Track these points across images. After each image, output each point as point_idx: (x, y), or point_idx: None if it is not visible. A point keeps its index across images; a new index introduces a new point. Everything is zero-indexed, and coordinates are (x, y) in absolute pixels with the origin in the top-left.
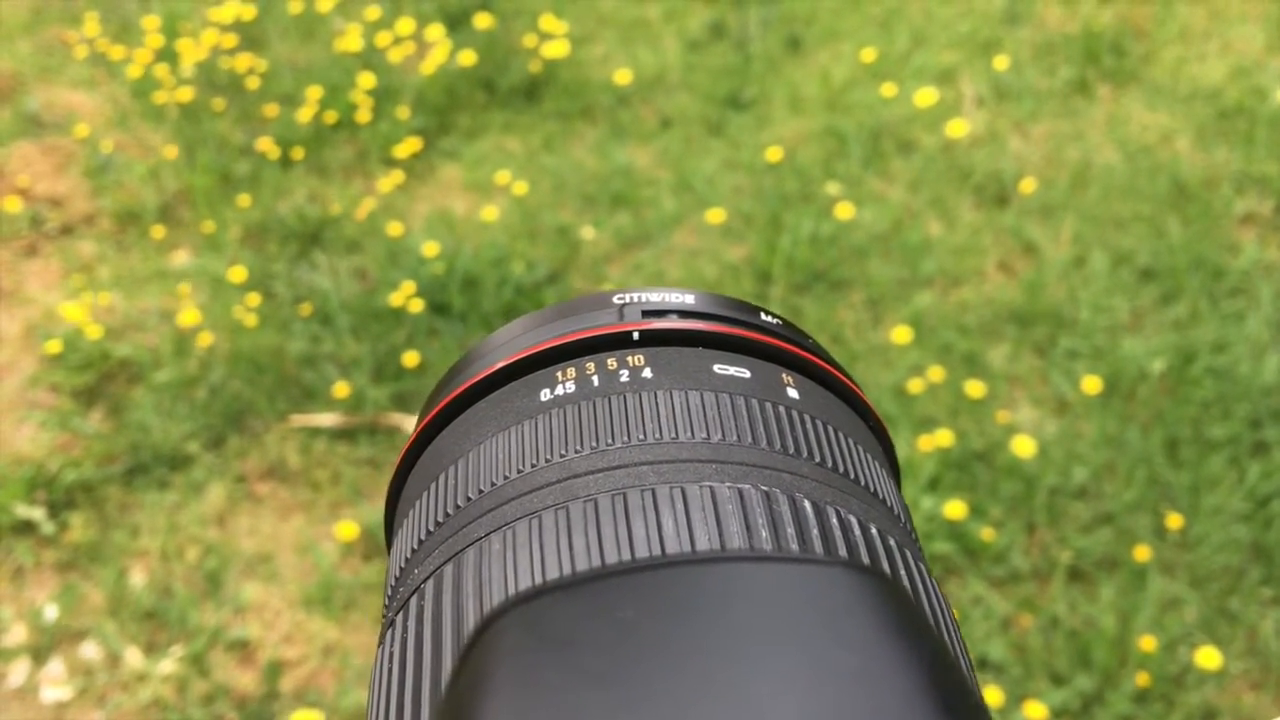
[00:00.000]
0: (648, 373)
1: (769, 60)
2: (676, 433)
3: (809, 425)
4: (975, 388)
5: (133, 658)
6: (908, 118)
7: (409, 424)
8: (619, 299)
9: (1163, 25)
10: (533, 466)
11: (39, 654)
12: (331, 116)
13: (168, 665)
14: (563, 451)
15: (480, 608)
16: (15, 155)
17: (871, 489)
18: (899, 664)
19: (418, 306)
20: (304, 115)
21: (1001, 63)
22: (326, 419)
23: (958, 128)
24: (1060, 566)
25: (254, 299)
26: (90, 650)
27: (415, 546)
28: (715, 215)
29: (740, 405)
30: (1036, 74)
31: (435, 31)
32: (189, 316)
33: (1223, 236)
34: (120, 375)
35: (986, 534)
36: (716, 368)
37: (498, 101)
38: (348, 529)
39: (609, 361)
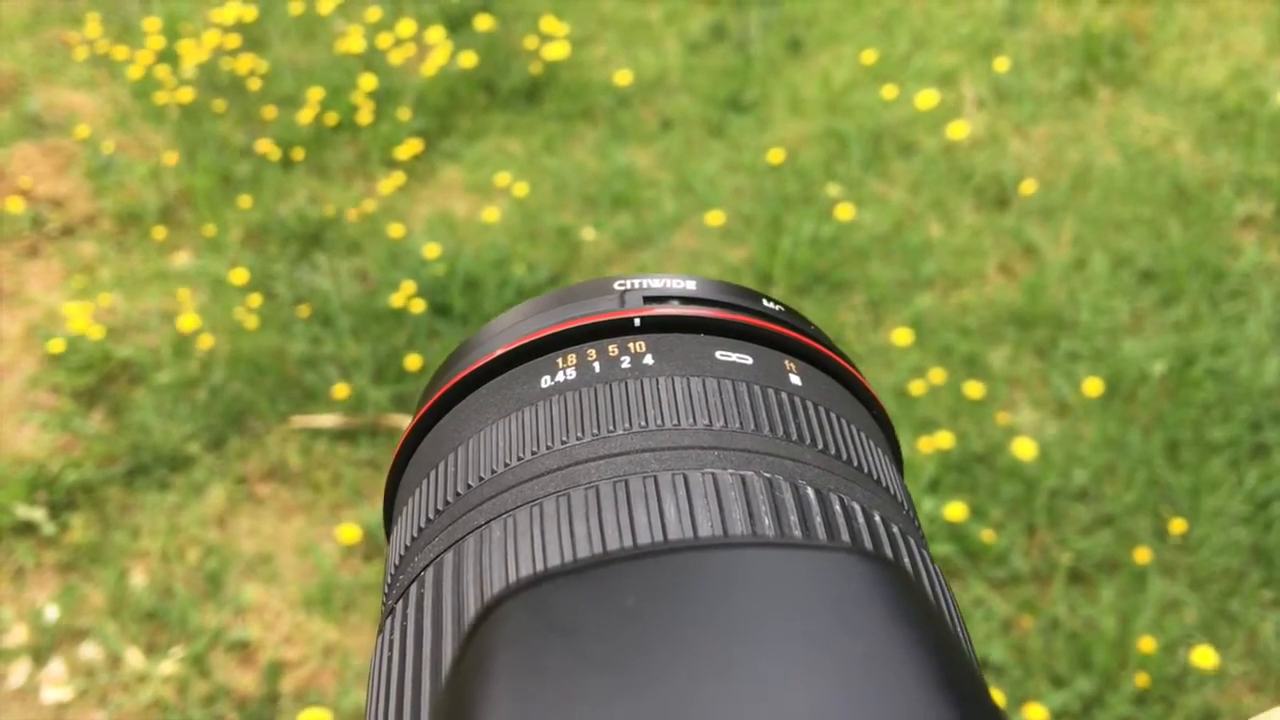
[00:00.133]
0: (649, 359)
1: (770, 62)
2: (678, 419)
3: (811, 412)
4: (976, 389)
5: (133, 658)
6: (908, 119)
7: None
8: (620, 285)
9: (1163, 27)
10: (534, 453)
11: (40, 655)
12: (332, 118)
13: (168, 666)
14: (564, 438)
15: (481, 595)
16: (16, 156)
17: (874, 476)
18: (902, 649)
19: (419, 308)
20: (305, 116)
21: (1002, 65)
22: (327, 420)
23: (958, 129)
24: (1060, 568)
25: (255, 300)
26: (91, 651)
27: (415, 534)
28: (716, 217)
29: (742, 391)
30: (1037, 76)
31: (436, 33)
32: (190, 318)
33: (1223, 239)
34: (121, 376)
35: (987, 536)
36: (718, 354)
37: (498, 103)
38: (348, 531)
39: (610, 348)
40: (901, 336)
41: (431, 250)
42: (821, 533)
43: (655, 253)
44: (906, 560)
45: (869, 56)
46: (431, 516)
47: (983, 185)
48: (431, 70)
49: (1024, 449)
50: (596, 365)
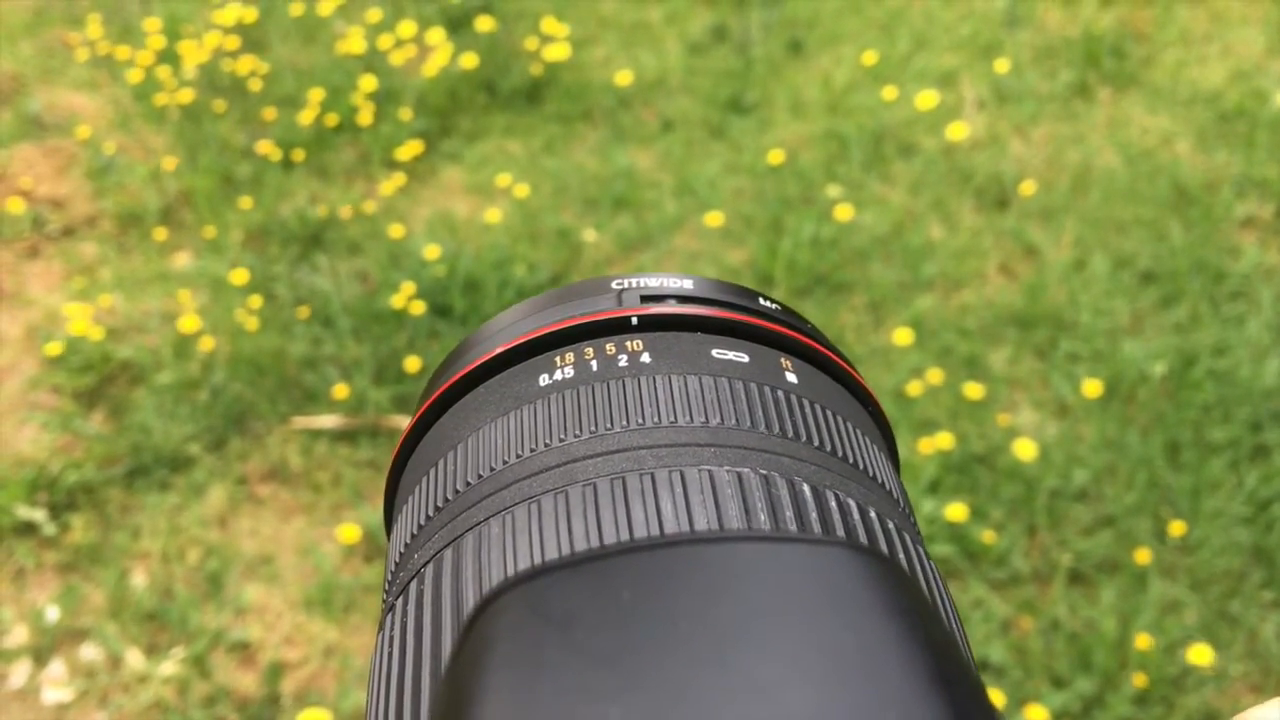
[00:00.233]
0: (646, 358)
1: (770, 63)
2: (675, 417)
3: (808, 409)
4: (976, 390)
5: (134, 659)
6: (909, 121)
7: None
8: (617, 284)
9: (1163, 28)
10: (531, 451)
11: (40, 655)
12: (333, 119)
13: (169, 667)
14: (561, 436)
15: (479, 591)
16: (17, 157)
17: (870, 473)
18: (897, 642)
19: (419, 309)
20: (305, 117)
21: (1002, 66)
22: (328, 421)
23: (958, 131)
24: (1061, 569)
25: (255, 301)
26: (91, 652)
27: (415, 531)
28: (716, 218)
29: (739, 389)
30: (1037, 77)
31: (436, 34)
32: (190, 319)
33: (1223, 240)
34: (122, 377)
35: (987, 536)
36: (715, 352)
37: (499, 104)
38: (349, 531)
39: (608, 347)
40: (902, 337)
41: (432, 251)
42: (817, 528)
43: (656, 254)
44: (902, 556)
45: (869, 58)
46: (431, 514)
47: (983, 186)
48: (432, 71)
49: (1024, 450)
50: (594, 364)
